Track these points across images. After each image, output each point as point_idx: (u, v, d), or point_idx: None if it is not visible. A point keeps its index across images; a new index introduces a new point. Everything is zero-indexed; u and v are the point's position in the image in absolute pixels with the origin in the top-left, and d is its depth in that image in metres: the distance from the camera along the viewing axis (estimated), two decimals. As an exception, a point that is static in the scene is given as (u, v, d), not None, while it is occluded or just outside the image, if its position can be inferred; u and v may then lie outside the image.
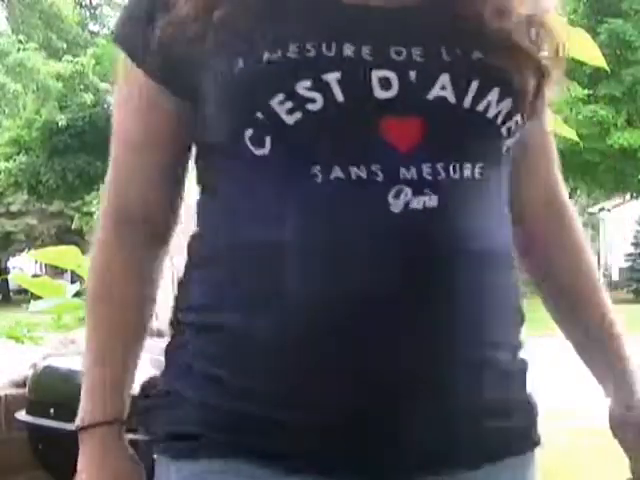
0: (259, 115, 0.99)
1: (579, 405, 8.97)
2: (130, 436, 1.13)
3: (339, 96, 0.98)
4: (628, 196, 30.64)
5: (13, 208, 32.91)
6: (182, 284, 1.11)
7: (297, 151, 1.00)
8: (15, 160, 29.61)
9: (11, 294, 34.18)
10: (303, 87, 0.98)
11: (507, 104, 1.03)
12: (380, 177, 0.97)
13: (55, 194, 29.73)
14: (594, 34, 20.20)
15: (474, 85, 1.01)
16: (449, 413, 1.01)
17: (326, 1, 1.04)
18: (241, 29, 1.01)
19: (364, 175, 0.98)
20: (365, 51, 1.00)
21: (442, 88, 1.00)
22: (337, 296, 0.97)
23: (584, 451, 6.47)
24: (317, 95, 0.98)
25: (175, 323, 1.10)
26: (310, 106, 0.98)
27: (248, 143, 1.01)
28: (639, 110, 24.56)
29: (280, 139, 1.00)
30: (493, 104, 1.02)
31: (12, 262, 37.13)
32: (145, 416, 1.10)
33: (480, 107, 1.02)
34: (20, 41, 23.64)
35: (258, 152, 1.01)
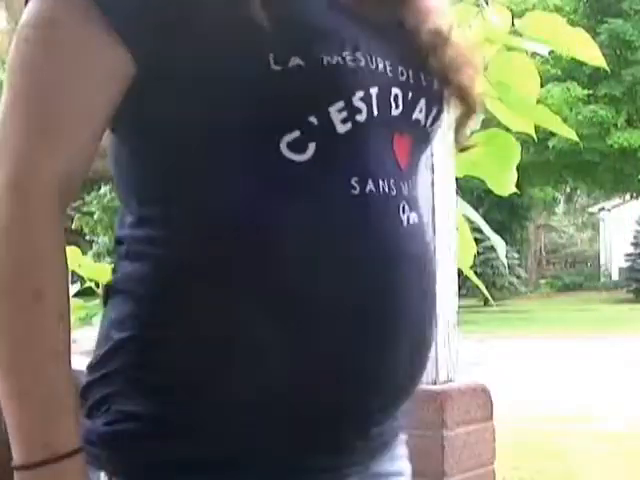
0: (312, 119, 0.96)
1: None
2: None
3: (375, 110, 1.00)
4: (628, 196, 30.61)
5: (13, 208, 32.88)
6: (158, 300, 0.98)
7: (341, 161, 0.98)
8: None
9: (11, 294, 34.19)
10: (358, 97, 0.98)
11: (440, 123, 1.13)
12: (394, 192, 1.01)
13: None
14: (594, 34, 20.18)
15: (434, 110, 1.09)
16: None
17: (342, 12, 1.02)
18: (297, 23, 0.97)
19: (387, 189, 1.00)
20: (388, 67, 1.03)
21: (420, 111, 1.07)
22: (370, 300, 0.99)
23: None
24: (363, 107, 0.99)
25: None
26: (358, 117, 0.98)
27: (284, 146, 0.95)
28: (639, 110, 24.54)
29: (326, 147, 0.97)
30: (437, 125, 1.12)
31: (12, 262, 37.07)
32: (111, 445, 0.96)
33: (432, 128, 1.11)
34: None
35: (294, 157, 0.95)
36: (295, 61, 0.94)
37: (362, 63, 0.99)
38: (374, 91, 1.00)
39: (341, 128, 0.97)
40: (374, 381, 0.99)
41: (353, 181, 0.98)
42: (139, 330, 0.97)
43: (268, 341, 0.93)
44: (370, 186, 0.99)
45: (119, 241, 1.03)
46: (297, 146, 0.96)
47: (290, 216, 0.95)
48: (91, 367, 1.01)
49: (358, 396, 0.98)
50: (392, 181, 1.01)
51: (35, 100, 0.92)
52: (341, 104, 0.97)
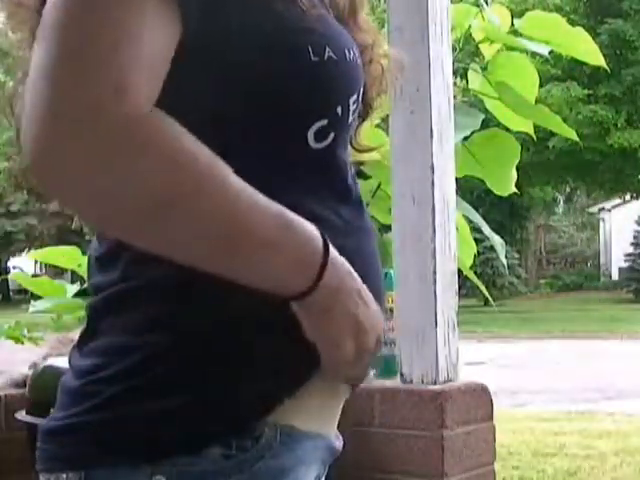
0: (338, 110, 1.00)
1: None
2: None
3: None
4: (628, 196, 30.63)
5: (13, 208, 32.91)
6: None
7: (343, 148, 1.05)
8: (15, 160, 29.58)
9: (11, 294, 34.20)
10: (360, 92, 1.04)
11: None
12: None
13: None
14: (594, 34, 20.18)
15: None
16: None
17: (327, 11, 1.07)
18: (321, 17, 1.00)
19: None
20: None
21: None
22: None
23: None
24: (356, 101, 1.03)
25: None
26: (353, 110, 1.03)
27: (310, 134, 0.98)
28: (639, 110, 24.55)
29: (339, 136, 1.02)
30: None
31: (12, 262, 37.13)
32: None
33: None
34: (20, 41, 23.65)
35: (314, 145, 0.99)
36: (329, 53, 0.97)
37: (359, 61, 1.04)
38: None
39: (350, 119, 1.02)
40: None
41: (349, 166, 1.07)
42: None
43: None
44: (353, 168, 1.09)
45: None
46: (321, 135, 0.99)
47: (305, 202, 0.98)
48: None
49: None
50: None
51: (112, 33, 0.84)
52: (355, 96, 1.01)
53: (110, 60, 0.83)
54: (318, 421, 1.01)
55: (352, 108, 1.01)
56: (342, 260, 0.93)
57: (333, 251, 0.92)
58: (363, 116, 1.14)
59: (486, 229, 2.77)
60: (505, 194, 2.91)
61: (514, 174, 2.84)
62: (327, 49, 0.97)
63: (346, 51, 1.00)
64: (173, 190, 0.84)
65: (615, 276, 35.33)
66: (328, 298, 0.91)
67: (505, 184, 2.86)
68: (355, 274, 0.94)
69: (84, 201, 0.86)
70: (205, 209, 0.85)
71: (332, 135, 1.00)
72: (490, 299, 3.22)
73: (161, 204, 0.84)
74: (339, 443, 1.07)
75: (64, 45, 0.84)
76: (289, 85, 0.96)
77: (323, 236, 0.91)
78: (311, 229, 0.91)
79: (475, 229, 2.87)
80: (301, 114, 0.98)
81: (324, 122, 0.98)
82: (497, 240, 2.83)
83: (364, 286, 0.95)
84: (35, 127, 0.84)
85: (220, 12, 0.93)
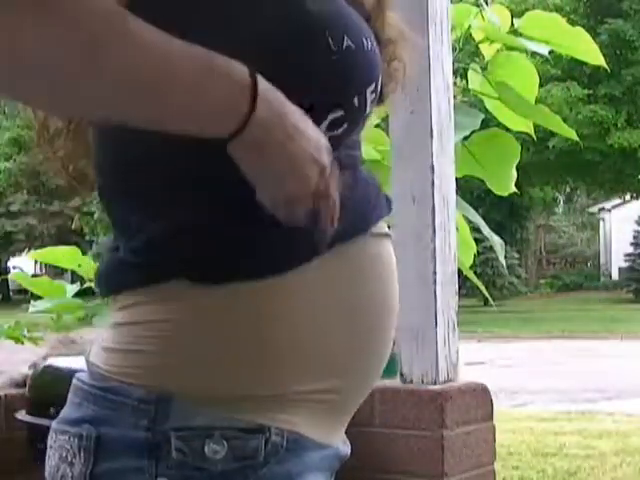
0: (355, 101, 0.97)
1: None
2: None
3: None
4: (628, 196, 30.63)
5: (13, 208, 32.91)
6: None
7: (356, 140, 1.04)
8: (15, 160, 29.61)
9: (11, 294, 34.20)
10: (378, 81, 1.01)
11: None
12: None
13: (55, 194, 29.75)
14: (594, 34, 20.18)
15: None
16: None
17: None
18: (337, 5, 0.99)
19: None
20: None
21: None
22: None
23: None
24: (374, 91, 1.01)
25: None
26: (372, 100, 1.01)
27: (324, 125, 0.96)
28: (639, 110, 24.55)
29: (352, 127, 1.00)
30: None
31: (12, 262, 37.13)
32: None
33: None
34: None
35: (326, 133, 0.95)
36: (347, 42, 0.96)
37: (377, 51, 1.01)
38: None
39: (368, 109, 1.00)
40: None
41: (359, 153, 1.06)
42: None
43: None
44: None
45: None
46: (334, 125, 0.97)
47: None
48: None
49: None
50: None
51: None
52: (373, 86, 0.99)
53: None
54: (326, 430, 1.00)
55: (370, 98, 0.99)
56: (276, 95, 0.88)
57: (265, 86, 0.87)
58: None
59: (486, 229, 2.77)
60: (505, 194, 2.91)
61: (514, 174, 2.84)
62: (346, 38, 0.95)
63: (364, 39, 0.97)
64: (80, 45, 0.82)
65: (615, 276, 35.33)
66: (260, 135, 0.87)
67: (505, 184, 2.86)
68: (293, 107, 0.89)
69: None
70: (117, 61, 0.83)
71: (345, 125, 0.98)
72: (490, 299, 3.23)
73: (73, 63, 0.82)
74: (346, 449, 1.06)
75: None
76: (312, 74, 0.95)
77: (252, 73, 0.87)
78: (239, 68, 0.87)
79: (475, 229, 2.87)
80: (317, 105, 0.95)
81: (339, 113, 0.97)
82: (496, 240, 2.83)
83: (304, 118, 0.90)
84: None
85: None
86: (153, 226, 0.97)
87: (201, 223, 0.95)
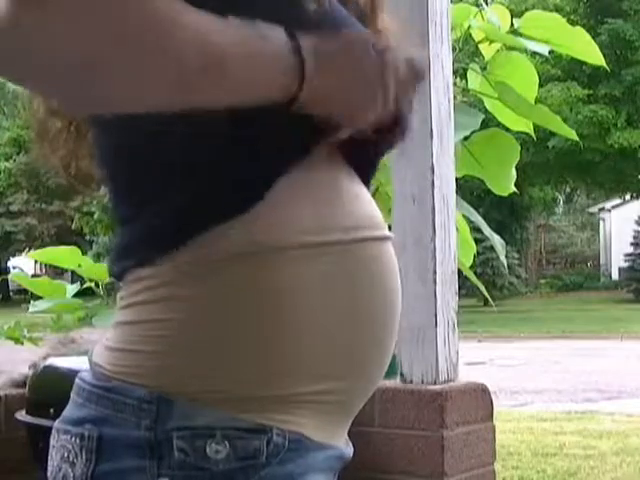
0: None
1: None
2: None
3: None
4: (628, 196, 30.63)
5: (13, 208, 32.92)
6: None
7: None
8: (15, 160, 29.62)
9: (11, 294, 34.21)
10: None
11: None
12: None
13: (55, 194, 29.77)
14: (594, 34, 20.19)
15: None
16: None
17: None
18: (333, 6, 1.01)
19: None
20: None
21: None
22: None
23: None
24: None
25: None
26: None
27: None
28: (639, 110, 24.56)
29: None
30: None
31: (12, 262, 37.13)
32: None
33: None
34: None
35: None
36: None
37: None
38: None
39: None
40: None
41: None
42: None
43: None
44: None
45: None
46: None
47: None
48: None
49: None
50: None
51: None
52: None
53: None
54: (328, 430, 1.00)
55: None
56: (318, 48, 0.90)
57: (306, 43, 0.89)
58: None
59: (486, 229, 2.77)
60: (504, 194, 2.91)
61: (513, 174, 2.84)
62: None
63: None
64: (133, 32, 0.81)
65: (615, 276, 35.33)
66: (325, 57, 0.90)
67: (504, 184, 2.86)
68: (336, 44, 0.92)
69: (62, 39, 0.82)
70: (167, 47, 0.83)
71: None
72: (489, 299, 3.22)
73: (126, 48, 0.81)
74: (349, 450, 1.06)
75: None
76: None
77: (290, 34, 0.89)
78: (277, 33, 0.89)
79: (475, 229, 2.87)
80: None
81: None
82: (497, 240, 2.83)
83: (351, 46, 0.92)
84: None
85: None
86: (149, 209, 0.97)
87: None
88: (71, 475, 0.96)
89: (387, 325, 1.04)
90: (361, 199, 1.02)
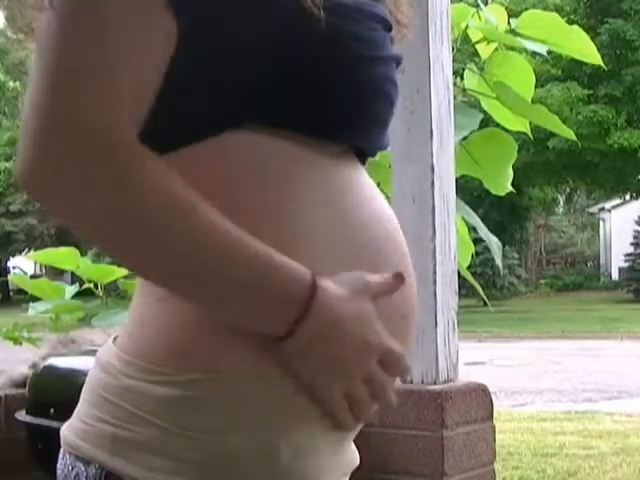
0: None
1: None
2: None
3: None
4: (628, 196, 30.62)
5: (13, 208, 32.90)
6: None
7: None
8: (15, 160, 29.58)
9: (11, 294, 34.19)
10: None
11: None
12: None
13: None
14: (594, 34, 20.21)
15: None
16: None
17: None
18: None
19: None
20: None
21: None
22: None
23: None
24: None
25: None
26: None
27: None
28: (639, 110, 24.55)
29: None
30: None
31: (12, 262, 37.11)
32: None
33: None
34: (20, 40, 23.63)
35: None
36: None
37: None
38: None
39: None
40: None
41: None
42: None
43: None
44: None
45: None
46: None
47: None
48: None
49: None
50: None
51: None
52: None
53: (106, 84, 0.85)
54: (333, 461, 0.98)
55: None
56: (335, 302, 0.88)
57: (327, 290, 0.87)
58: None
59: (483, 230, 2.76)
60: (502, 193, 2.91)
61: (510, 173, 2.83)
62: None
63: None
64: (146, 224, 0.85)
65: (615, 276, 35.32)
66: (307, 342, 0.88)
67: (502, 183, 2.86)
68: (352, 317, 0.90)
69: (70, 217, 0.89)
70: (174, 248, 0.86)
71: None
72: (486, 300, 3.20)
73: (139, 237, 0.86)
74: (356, 458, 1.05)
75: (61, 64, 0.86)
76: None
77: (313, 279, 0.87)
78: (301, 272, 0.87)
79: (475, 229, 2.86)
80: None
81: None
82: (494, 242, 2.82)
83: (364, 320, 0.91)
84: (29, 140, 0.90)
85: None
86: None
87: None
88: None
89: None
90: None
